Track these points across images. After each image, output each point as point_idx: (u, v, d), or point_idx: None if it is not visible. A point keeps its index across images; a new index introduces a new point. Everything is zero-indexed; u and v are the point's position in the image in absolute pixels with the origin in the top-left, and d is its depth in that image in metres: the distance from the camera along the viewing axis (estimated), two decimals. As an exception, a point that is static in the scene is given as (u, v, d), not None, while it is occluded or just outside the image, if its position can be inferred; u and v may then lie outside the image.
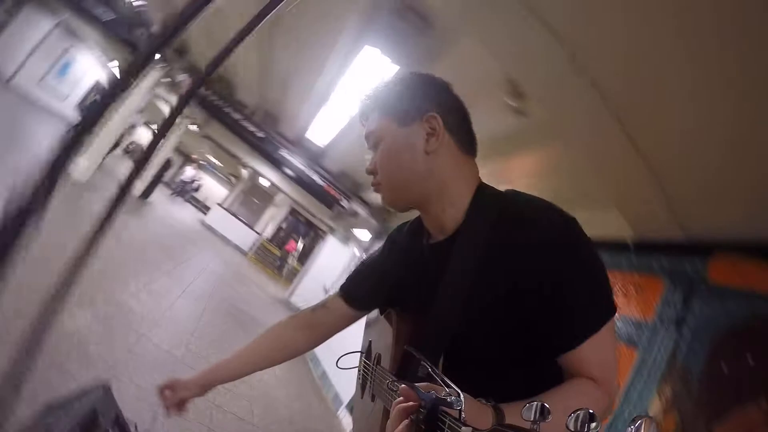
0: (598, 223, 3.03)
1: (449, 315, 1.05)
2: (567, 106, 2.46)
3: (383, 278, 1.34)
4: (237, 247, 17.89)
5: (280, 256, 19.83)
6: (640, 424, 0.54)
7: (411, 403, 0.78)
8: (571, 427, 0.56)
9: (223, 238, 17.70)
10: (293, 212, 20.34)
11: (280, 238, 21.79)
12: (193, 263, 9.30)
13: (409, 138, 1.09)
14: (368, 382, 1.36)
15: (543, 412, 0.60)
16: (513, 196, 1.08)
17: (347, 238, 11.99)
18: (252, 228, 19.25)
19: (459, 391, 0.71)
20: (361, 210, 8.92)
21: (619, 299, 2.71)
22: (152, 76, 8.85)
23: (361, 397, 1.46)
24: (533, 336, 0.98)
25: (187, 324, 5.32)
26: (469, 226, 1.07)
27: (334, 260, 11.28)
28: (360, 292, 1.40)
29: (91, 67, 14.50)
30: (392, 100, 1.13)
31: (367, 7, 3.55)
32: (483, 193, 1.10)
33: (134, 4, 7.89)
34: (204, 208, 22.67)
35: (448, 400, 0.72)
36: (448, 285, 1.06)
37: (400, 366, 1.17)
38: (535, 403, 0.61)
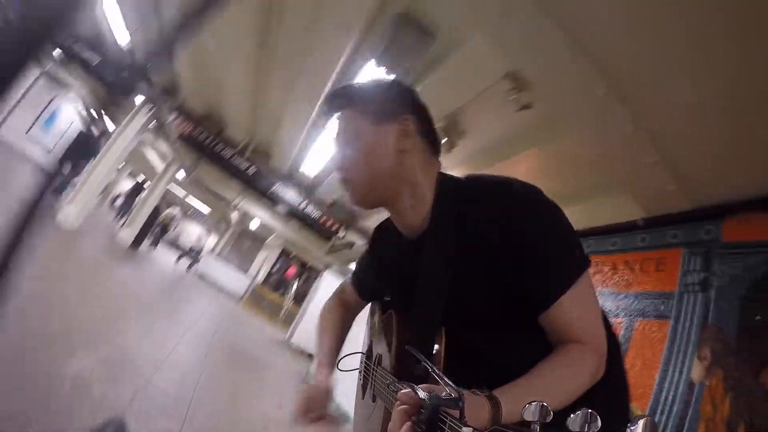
0: (610, 209, 3.09)
1: (433, 306, 1.09)
2: (571, 94, 2.53)
3: (372, 273, 1.43)
4: (231, 293, 17.67)
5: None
6: (640, 424, 0.55)
7: (411, 404, 0.80)
8: (573, 428, 0.56)
9: (216, 285, 17.47)
10: (284, 252, 20.25)
11: (273, 282, 21.59)
12: (190, 308, 9.16)
13: (383, 136, 1.12)
14: (369, 383, 1.36)
15: (543, 413, 0.61)
16: (472, 178, 1.13)
17: (344, 272, 11.91)
18: (244, 272, 19.04)
19: (459, 391, 0.72)
20: (358, 240, 8.90)
21: (640, 277, 2.75)
22: (139, 119, 8.83)
23: (362, 398, 1.46)
24: (517, 301, 1.01)
25: (192, 367, 5.22)
26: (437, 218, 1.11)
27: (333, 297, 11.05)
28: (364, 282, 1.50)
29: (76, 117, 14.40)
30: (368, 100, 1.17)
31: (364, 26, 3.64)
32: (445, 183, 1.14)
33: (122, 46, 7.86)
34: (193, 257, 22.36)
35: (448, 400, 0.73)
36: (426, 277, 1.11)
37: (401, 366, 1.18)
38: (535, 403, 0.61)
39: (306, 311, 12.41)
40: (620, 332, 2.66)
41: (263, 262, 20.81)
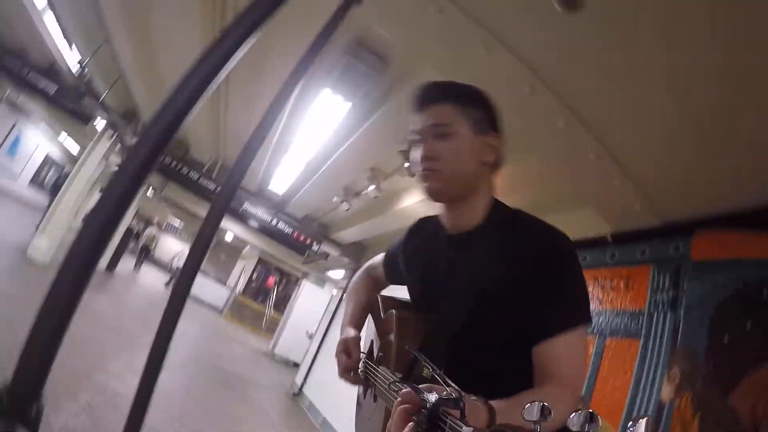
0: (577, 226, 3.09)
1: (462, 299, 1.18)
2: (533, 124, 2.53)
3: (402, 261, 1.50)
4: (211, 306, 17.49)
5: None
6: (642, 423, 0.55)
7: (412, 404, 0.81)
8: (573, 428, 0.58)
9: (196, 299, 17.27)
10: (261, 262, 20.10)
11: (253, 290, 21.42)
12: (170, 331, 9.02)
13: (477, 145, 1.21)
14: (370, 383, 1.37)
15: (544, 413, 0.62)
16: (521, 212, 1.25)
17: (322, 280, 11.87)
18: (223, 284, 18.88)
19: (460, 391, 0.74)
20: (332, 251, 8.88)
21: (610, 294, 2.77)
22: (102, 143, 8.70)
23: (364, 398, 1.48)
24: (523, 323, 1.11)
25: (176, 396, 5.15)
26: (488, 227, 1.22)
27: (313, 305, 11.16)
28: (394, 266, 1.57)
29: (41, 141, 14.12)
30: (475, 107, 1.23)
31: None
32: (499, 204, 1.27)
33: (77, 72, 7.69)
34: (172, 273, 22.05)
35: (449, 400, 0.74)
36: (463, 271, 1.21)
37: (402, 366, 1.21)
38: (536, 403, 0.63)
39: (288, 320, 12.36)
40: (591, 350, 2.68)
41: (241, 272, 20.66)
